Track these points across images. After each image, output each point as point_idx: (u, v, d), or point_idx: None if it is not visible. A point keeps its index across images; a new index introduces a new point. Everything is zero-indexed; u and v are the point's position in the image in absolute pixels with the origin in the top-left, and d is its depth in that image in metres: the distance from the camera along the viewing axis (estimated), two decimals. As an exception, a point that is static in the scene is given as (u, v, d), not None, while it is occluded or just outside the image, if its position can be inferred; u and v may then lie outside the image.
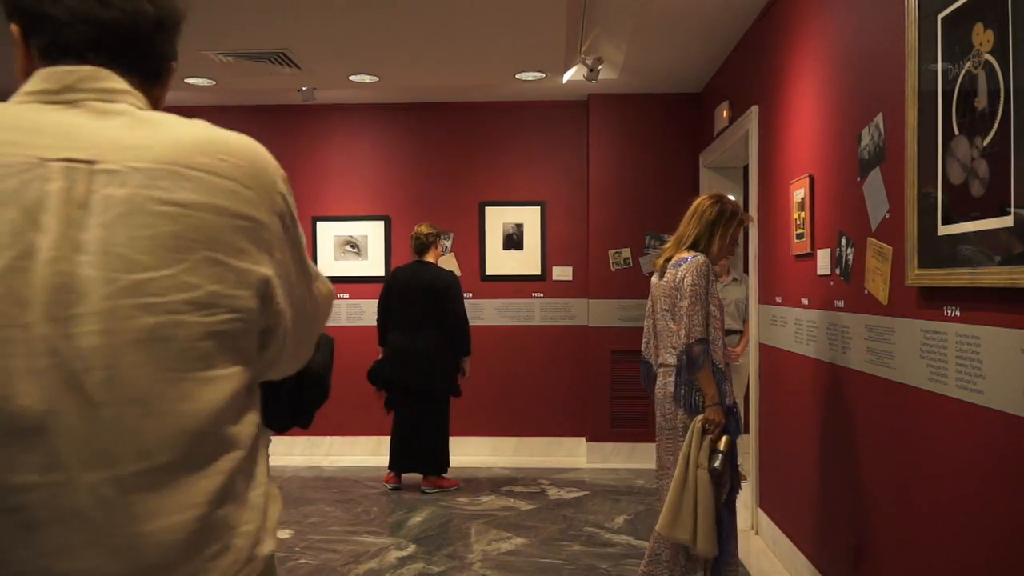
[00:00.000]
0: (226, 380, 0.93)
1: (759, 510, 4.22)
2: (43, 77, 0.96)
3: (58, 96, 0.95)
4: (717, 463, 2.87)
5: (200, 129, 0.97)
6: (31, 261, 0.84)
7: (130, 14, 0.99)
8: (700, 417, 2.90)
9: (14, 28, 1.00)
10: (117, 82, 0.98)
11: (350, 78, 5.52)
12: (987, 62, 1.86)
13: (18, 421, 0.82)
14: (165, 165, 0.91)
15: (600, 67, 5.08)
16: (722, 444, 2.89)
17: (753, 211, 4.32)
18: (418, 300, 5.12)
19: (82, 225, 0.86)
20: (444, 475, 5.28)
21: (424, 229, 5.27)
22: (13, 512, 0.82)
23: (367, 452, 6.12)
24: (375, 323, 5.40)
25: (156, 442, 0.87)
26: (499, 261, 6.29)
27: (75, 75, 0.95)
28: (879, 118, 2.63)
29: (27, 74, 0.98)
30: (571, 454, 6.20)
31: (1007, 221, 1.79)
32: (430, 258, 5.25)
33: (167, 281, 0.88)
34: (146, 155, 0.91)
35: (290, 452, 6.16)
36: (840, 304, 2.99)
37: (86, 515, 0.84)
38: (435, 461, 5.22)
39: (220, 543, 0.92)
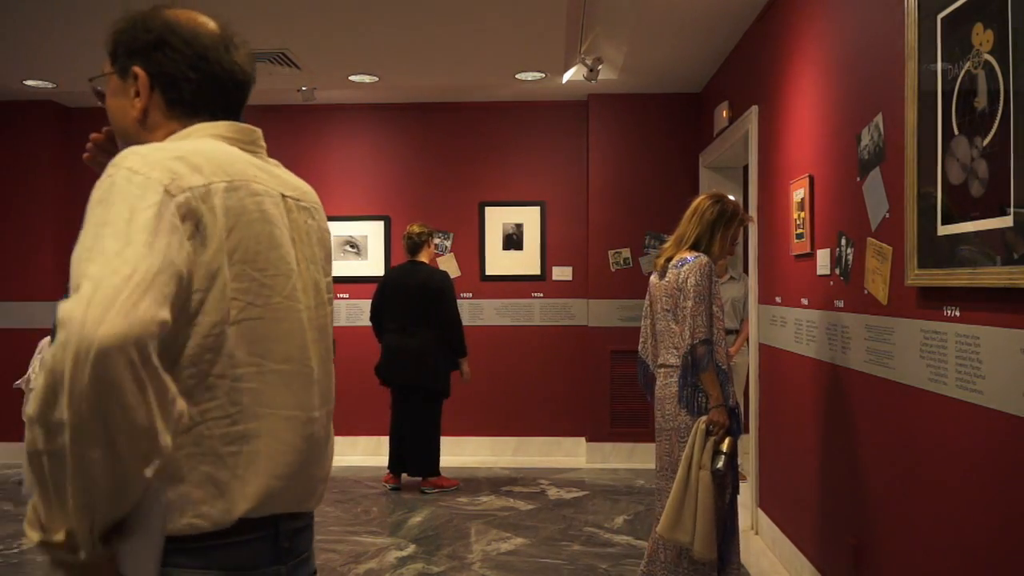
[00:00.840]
0: None
1: (759, 510, 4.22)
2: (234, 129, 1.25)
3: (248, 146, 1.25)
4: (720, 464, 2.86)
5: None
6: (298, 267, 1.23)
7: (242, 83, 1.29)
8: (704, 418, 2.89)
9: (142, 73, 1.22)
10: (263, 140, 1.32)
11: (350, 78, 5.52)
12: (987, 62, 1.86)
13: (312, 374, 1.24)
14: (316, 205, 1.35)
15: (600, 67, 5.08)
16: (725, 445, 2.88)
17: (753, 211, 4.32)
18: (411, 300, 5.10)
19: (308, 244, 1.28)
20: (441, 475, 5.28)
21: (416, 229, 5.25)
22: (310, 436, 1.22)
23: (367, 452, 6.11)
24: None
25: (333, 388, 1.34)
26: (499, 261, 6.29)
27: (255, 134, 1.29)
28: (879, 118, 2.63)
29: (144, 110, 1.23)
30: (571, 454, 6.20)
31: (1007, 221, 1.79)
32: (423, 258, 5.24)
33: (329, 283, 1.35)
34: (311, 197, 1.34)
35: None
36: (840, 304, 2.99)
37: (320, 438, 1.26)
38: (425, 462, 5.19)
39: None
